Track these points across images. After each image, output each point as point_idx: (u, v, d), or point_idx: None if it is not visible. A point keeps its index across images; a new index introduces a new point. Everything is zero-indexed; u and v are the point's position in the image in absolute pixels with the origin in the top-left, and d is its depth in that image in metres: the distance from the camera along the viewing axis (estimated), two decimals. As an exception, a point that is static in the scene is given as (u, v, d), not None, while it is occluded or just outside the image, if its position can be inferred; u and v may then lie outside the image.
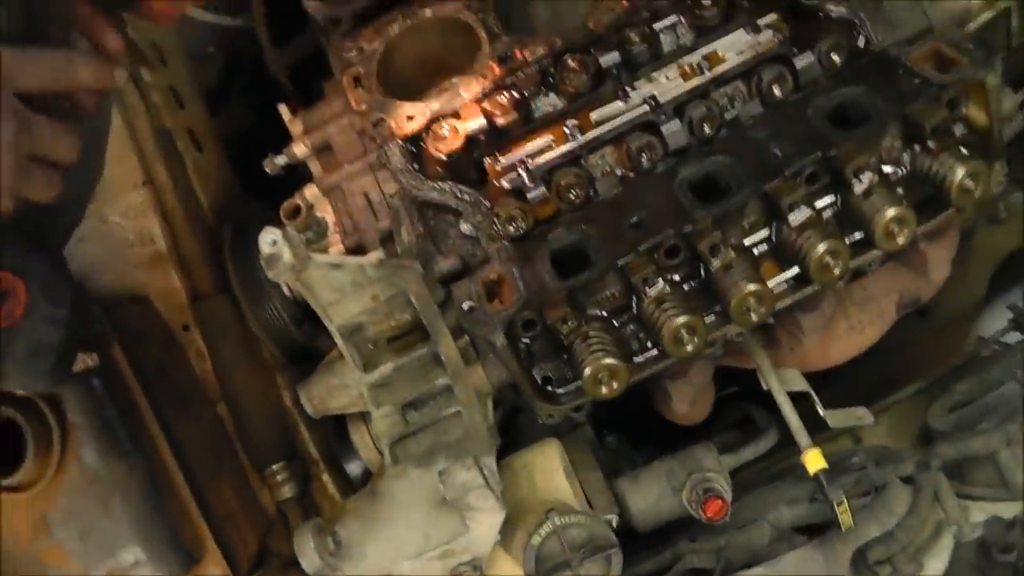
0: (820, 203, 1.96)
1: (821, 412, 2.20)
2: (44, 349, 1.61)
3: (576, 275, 1.94)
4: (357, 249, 2.13)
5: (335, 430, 2.30)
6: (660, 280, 1.91)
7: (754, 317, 1.89)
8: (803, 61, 2.05)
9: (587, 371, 1.87)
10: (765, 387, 2.16)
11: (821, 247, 1.85)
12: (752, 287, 1.85)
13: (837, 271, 1.88)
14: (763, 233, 1.98)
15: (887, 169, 1.97)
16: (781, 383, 2.13)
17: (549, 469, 2.03)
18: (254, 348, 2.29)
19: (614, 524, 2.19)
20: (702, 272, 1.98)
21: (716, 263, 1.90)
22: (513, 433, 2.30)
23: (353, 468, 2.26)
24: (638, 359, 2.02)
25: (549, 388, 2.03)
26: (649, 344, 2.02)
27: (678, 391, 2.17)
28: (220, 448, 2.17)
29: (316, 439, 2.34)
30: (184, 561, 1.87)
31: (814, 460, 2.04)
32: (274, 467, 2.25)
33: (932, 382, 2.67)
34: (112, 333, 1.95)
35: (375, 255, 1.96)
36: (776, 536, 2.33)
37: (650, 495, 2.28)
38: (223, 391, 2.25)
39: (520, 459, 2.07)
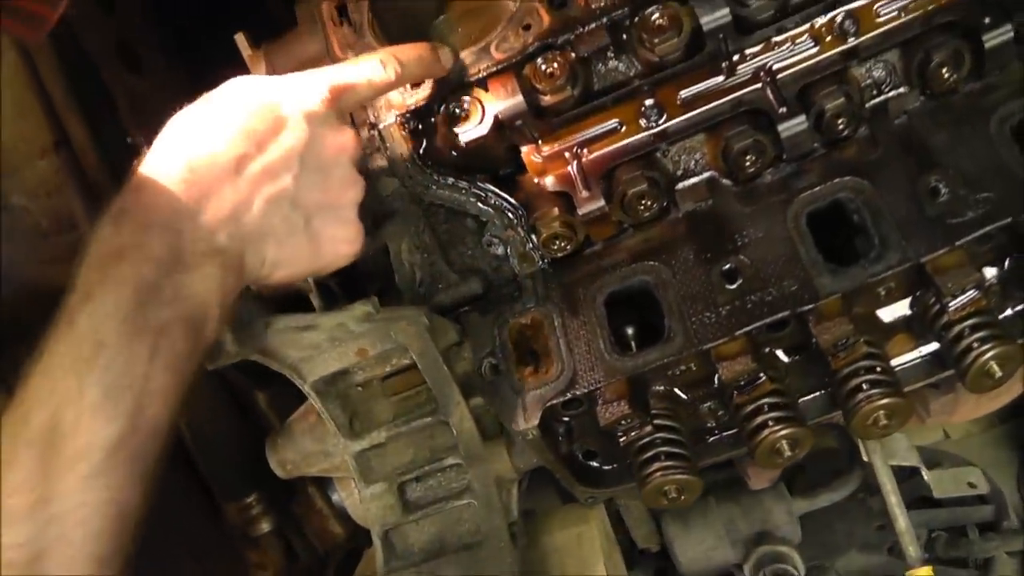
0: (988, 273, 1.37)
1: (926, 478, 1.73)
2: None
3: (641, 347, 1.42)
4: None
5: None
6: (762, 376, 1.36)
7: (879, 433, 1.37)
8: (996, 37, 1.37)
9: (650, 486, 1.39)
10: (865, 458, 1.67)
11: (988, 354, 1.30)
12: (886, 401, 1.32)
13: (998, 379, 1.33)
14: (901, 306, 1.41)
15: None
16: (886, 457, 1.64)
17: (588, 562, 1.60)
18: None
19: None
20: (812, 344, 1.42)
21: (840, 361, 1.34)
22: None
23: (337, 499, 1.82)
24: (712, 438, 1.53)
25: (593, 465, 1.55)
26: (726, 422, 1.51)
27: (758, 474, 1.68)
28: (178, 499, 1.73)
29: (298, 447, 1.89)
30: None
31: (926, 583, 1.60)
32: (248, 500, 1.82)
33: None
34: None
35: (361, 308, 1.41)
36: (843, 590, 1.95)
37: (702, 545, 1.87)
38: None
39: (553, 538, 1.64)
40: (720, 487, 1.90)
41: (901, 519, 1.61)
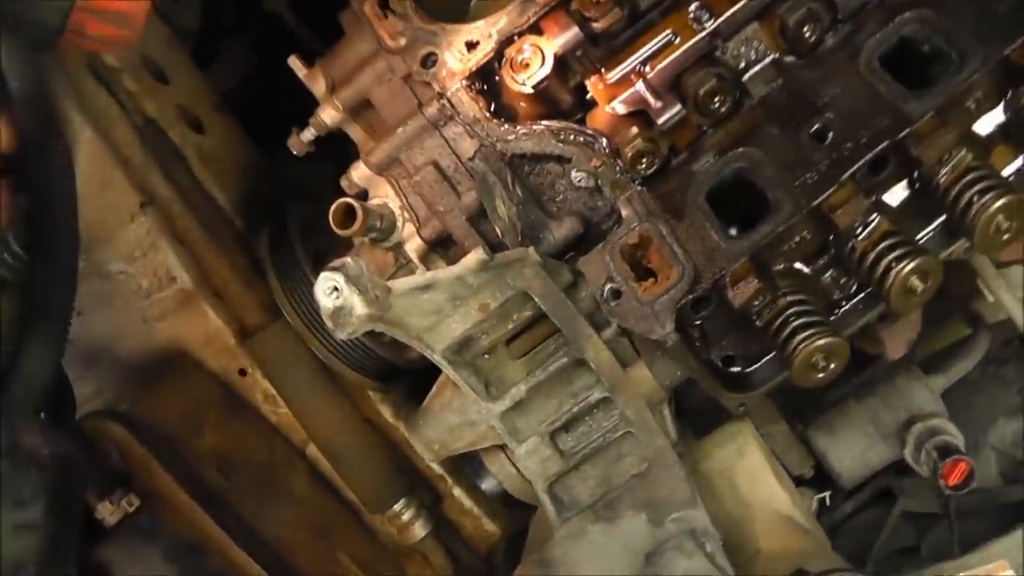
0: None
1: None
2: (13, 569, 1.16)
3: (753, 226, 1.42)
4: (440, 240, 1.60)
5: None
6: (875, 215, 1.37)
7: (1006, 237, 1.36)
8: None
9: (798, 359, 1.38)
10: (990, 297, 1.65)
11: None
12: (1003, 202, 1.31)
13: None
14: (996, 112, 1.41)
15: None
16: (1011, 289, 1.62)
17: (756, 474, 1.58)
18: (331, 371, 1.81)
19: (827, 502, 1.76)
20: (915, 178, 1.43)
21: (948, 177, 1.35)
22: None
23: (488, 485, 1.80)
24: (843, 308, 1.52)
25: (735, 371, 1.54)
26: (854, 289, 1.50)
27: (894, 336, 1.67)
28: (326, 517, 1.73)
29: (434, 453, 1.89)
30: None
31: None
32: (396, 507, 1.81)
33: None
34: (149, 448, 1.47)
35: (474, 257, 1.44)
36: (1005, 464, 1.89)
37: (854, 448, 1.83)
38: (311, 433, 1.80)
39: (713, 461, 1.62)
40: (855, 389, 1.87)
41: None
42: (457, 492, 1.90)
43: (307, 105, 1.71)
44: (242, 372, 1.76)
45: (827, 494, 1.82)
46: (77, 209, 1.35)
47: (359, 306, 1.33)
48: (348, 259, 1.35)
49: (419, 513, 1.83)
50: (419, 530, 1.83)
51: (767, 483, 1.57)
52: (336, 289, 1.32)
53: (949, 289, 1.88)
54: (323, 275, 1.31)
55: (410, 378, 1.85)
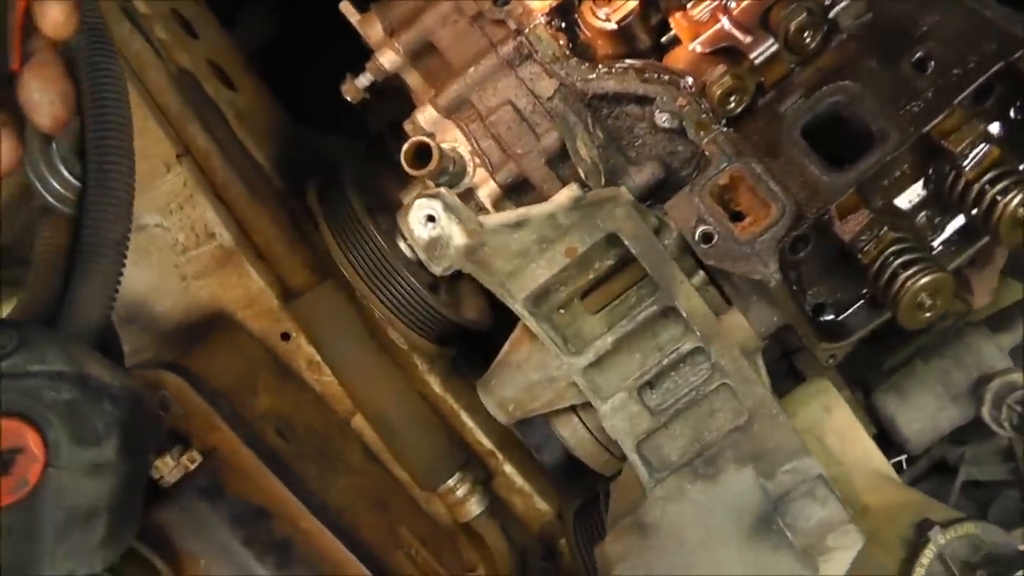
0: None
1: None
2: (87, 515, 1.04)
3: (856, 160, 1.35)
4: (517, 184, 1.50)
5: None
6: (985, 144, 1.32)
7: None
8: None
9: (905, 299, 1.31)
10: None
11: None
12: None
13: None
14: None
15: None
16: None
17: (846, 431, 1.50)
18: (378, 337, 1.69)
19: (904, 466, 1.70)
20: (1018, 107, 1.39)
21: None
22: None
23: (548, 457, 1.69)
24: (935, 251, 1.46)
25: (827, 319, 1.47)
26: (945, 230, 1.45)
27: (983, 281, 1.61)
28: (384, 490, 1.62)
29: (485, 425, 1.77)
30: None
31: None
32: (450, 483, 1.70)
33: None
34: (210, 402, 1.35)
35: (567, 193, 1.35)
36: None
37: (925, 411, 1.77)
38: (358, 403, 1.67)
39: (799, 419, 1.53)
40: (921, 350, 1.82)
41: None
42: (508, 469, 1.79)
43: (325, 74, 1.62)
44: (285, 336, 1.63)
45: (904, 457, 1.75)
46: (133, 133, 1.23)
47: (458, 236, 1.22)
48: (442, 189, 1.25)
49: (474, 489, 1.72)
50: (474, 507, 1.72)
51: (860, 440, 1.50)
52: (432, 218, 1.22)
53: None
54: (418, 202, 1.21)
55: (457, 346, 1.75)
